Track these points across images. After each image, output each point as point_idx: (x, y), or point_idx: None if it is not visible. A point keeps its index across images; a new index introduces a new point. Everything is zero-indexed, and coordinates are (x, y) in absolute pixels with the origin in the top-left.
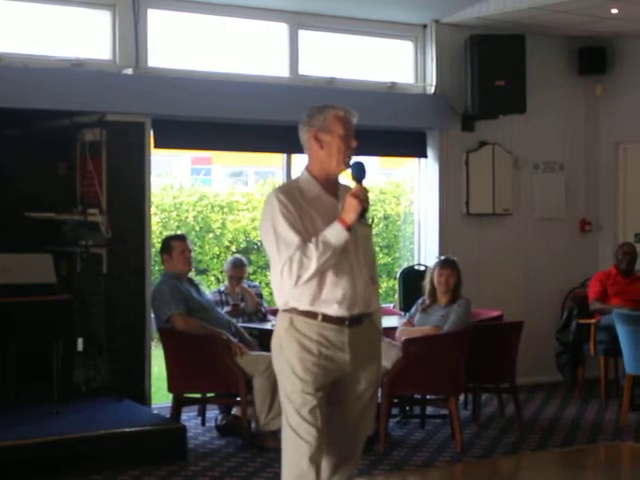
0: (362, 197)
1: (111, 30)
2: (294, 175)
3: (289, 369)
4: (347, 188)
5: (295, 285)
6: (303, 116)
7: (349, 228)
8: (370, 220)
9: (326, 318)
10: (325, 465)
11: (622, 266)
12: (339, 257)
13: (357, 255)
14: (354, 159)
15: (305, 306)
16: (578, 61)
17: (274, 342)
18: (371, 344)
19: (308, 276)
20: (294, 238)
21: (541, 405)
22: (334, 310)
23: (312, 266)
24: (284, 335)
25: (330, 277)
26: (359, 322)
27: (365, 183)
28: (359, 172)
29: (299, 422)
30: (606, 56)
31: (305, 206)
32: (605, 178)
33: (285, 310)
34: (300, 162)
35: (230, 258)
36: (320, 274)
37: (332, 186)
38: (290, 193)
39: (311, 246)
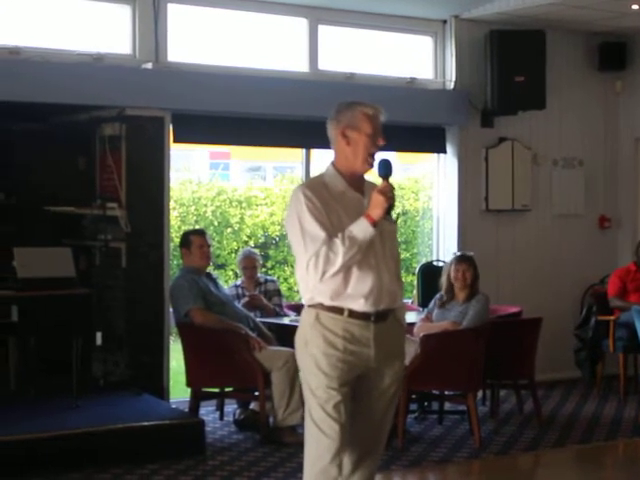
0: (389, 194)
1: (131, 24)
2: (313, 170)
3: (314, 365)
4: (372, 185)
5: (321, 280)
6: (332, 111)
7: (375, 224)
8: (395, 217)
9: (352, 314)
10: (347, 460)
11: None
12: (365, 252)
13: (383, 251)
14: (380, 156)
15: (331, 301)
16: (598, 57)
17: (299, 337)
18: (395, 340)
19: (334, 271)
20: (320, 233)
21: (560, 402)
22: (360, 305)
23: (338, 261)
24: (309, 330)
25: (356, 272)
26: (384, 318)
27: (391, 180)
28: (386, 169)
29: (323, 417)
30: (626, 52)
31: (331, 201)
32: (625, 174)
33: (311, 305)
34: (319, 157)
35: (240, 251)
36: (346, 269)
37: (357, 182)
38: (316, 188)
39: (337, 241)
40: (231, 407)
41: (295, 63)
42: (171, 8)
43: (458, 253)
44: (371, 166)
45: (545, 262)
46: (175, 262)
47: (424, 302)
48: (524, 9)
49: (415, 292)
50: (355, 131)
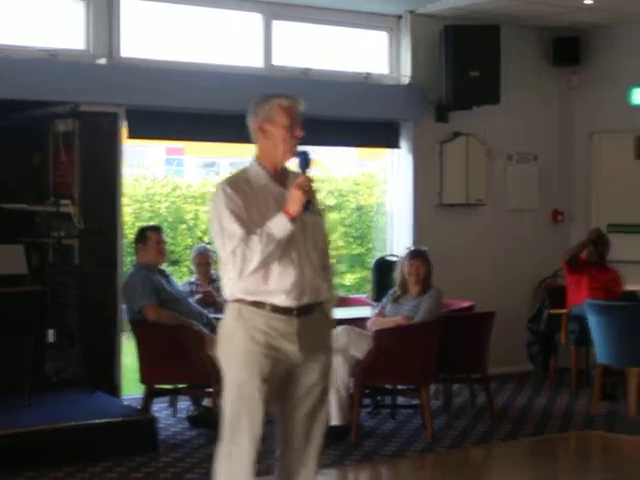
0: (306, 187)
1: (85, 20)
2: None
3: (236, 359)
4: (297, 176)
5: (240, 277)
6: (251, 105)
7: (293, 219)
8: (322, 208)
9: (274, 308)
10: (281, 468)
11: (594, 256)
12: (286, 247)
13: (305, 245)
14: (301, 148)
15: (252, 297)
16: (552, 52)
17: (222, 332)
18: (321, 334)
19: (252, 268)
20: (238, 230)
21: (512, 395)
22: (282, 300)
23: (256, 258)
24: (232, 325)
25: (277, 268)
26: (309, 312)
27: (316, 172)
28: (304, 162)
29: (242, 412)
30: (580, 47)
31: (253, 197)
32: (579, 169)
33: (233, 301)
34: None
35: (194, 248)
36: (266, 265)
37: (280, 175)
38: (237, 184)
39: (255, 238)
40: (184, 404)
41: (250, 59)
42: (125, 3)
43: (412, 248)
44: (293, 155)
45: (499, 256)
46: (129, 259)
47: (379, 297)
48: (479, 4)
49: (369, 287)
50: (272, 124)
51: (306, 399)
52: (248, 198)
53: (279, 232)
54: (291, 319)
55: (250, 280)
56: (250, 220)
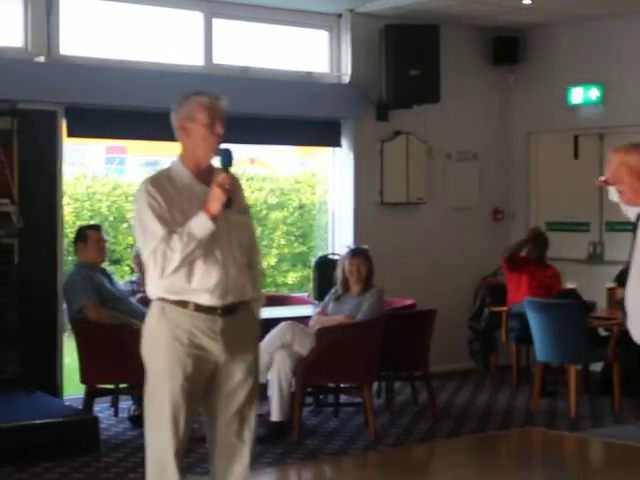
0: (227, 186)
1: (23, 17)
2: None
3: (159, 358)
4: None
5: (161, 276)
6: (174, 104)
7: (214, 218)
8: (247, 206)
9: (198, 307)
10: (213, 468)
11: (534, 254)
12: (210, 246)
13: (230, 243)
14: (223, 146)
15: (176, 296)
16: (492, 51)
17: (145, 331)
18: (247, 333)
19: (173, 268)
20: (159, 230)
21: (454, 392)
22: (206, 299)
23: (176, 257)
24: (155, 324)
25: (200, 267)
26: (233, 311)
27: (233, 169)
28: (225, 159)
29: (164, 412)
30: (518, 46)
31: (176, 196)
32: (518, 167)
33: (156, 299)
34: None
35: (135, 247)
36: (189, 264)
37: (204, 173)
38: (159, 183)
39: (175, 237)
40: (126, 404)
41: (190, 57)
42: (64, 1)
43: (353, 246)
44: (215, 153)
45: (440, 254)
46: (69, 258)
47: (320, 295)
48: (419, 3)
49: (311, 285)
50: (192, 122)
51: (233, 399)
52: (171, 197)
53: (200, 231)
54: (215, 318)
55: (173, 279)
56: (173, 220)
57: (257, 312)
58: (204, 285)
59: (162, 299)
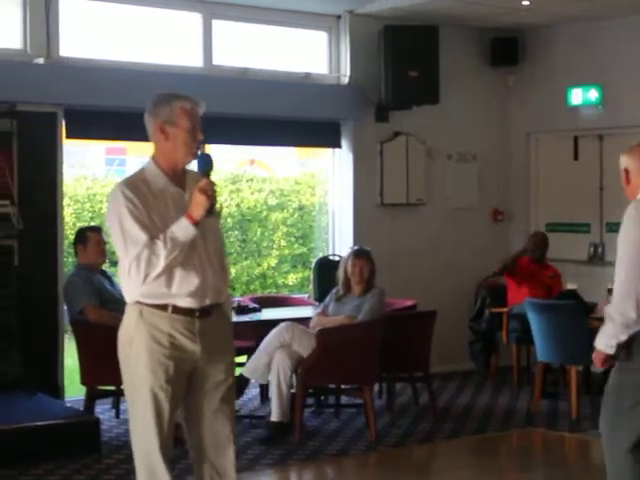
0: (210, 192)
1: (22, 19)
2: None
3: (139, 362)
4: (195, 176)
5: (144, 282)
6: (148, 104)
7: (197, 224)
8: (219, 209)
9: (176, 310)
10: (197, 470)
11: (535, 254)
12: (188, 251)
13: (206, 247)
14: (202, 151)
15: (155, 300)
16: (490, 52)
17: (122, 337)
18: (222, 334)
19: (157, 273)
20: (141, 235)
21: (455, 393)
22: (185, 302)
23: (160, 263)
24: (134, 328)
25: (179, 272)
26: (209, 313)
27: (213, 175)
28: (206, 165)
29: (147, 414)
30: (517, 47)
31: (152, 199)
32: (517, 168)
33: (134, 303)
34: (213, 151)
35: None
36: (169, 270)
37: (178, 176)
38: (136, 186)
39: (159, 243)
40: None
41: (190, 58)
42: (63, 2)
43: (355, 247)
44: (194, 157)
45: (440, 255)
46: (70, 259)
47: (320, 296)
48: (417, 5)
49: (311, 287)
50: (174, 127)
51: (214, 398)
52: (147, 200)
53: (183, 236)
54: (193, 320)
55: (152, 285)
56: (152, 224)
57: (229, 313)
58: (184, 290)
59: (140, 302)
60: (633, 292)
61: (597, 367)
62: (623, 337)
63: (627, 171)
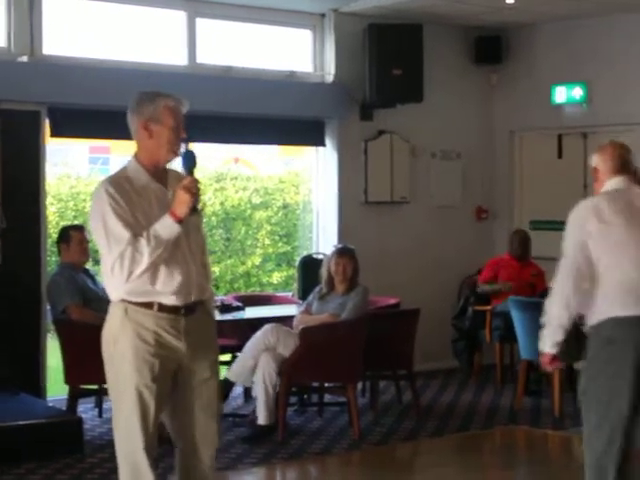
0: (193, 190)
1: (6, 17)
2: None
3: (124, 360)
4: (176, 174)
5: (127, 280)
6: (132, 102)
7: (181, 221)
8: (200, 206)
9: (162, 308)
10: (179, 467)
11: (517, 252)
12: (172, 248)
13: (189, 244)
14: (185, 148)
15: (139, 298)
16: (474, 50)
17: (106, 335)
18: (206, 332)
19: (140, 271)
20: (125, 233)
21: (438, 391)
22: (170, 300)
23: (144, 261)
24: (119, 326)
25: (163, 269)
26: (193, 310)
27: (196, 172)
28: (190, 162)
29: (133, 413)
30: (501, 46)
31: (136, 197)
32: (501, 166)
33: (118, 301)
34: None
35: None
36: (153, 267)
37: (160, 173)
38: (119, 184)
39: (143, 241)
40: (110, 404)
41: (173, 56)
42: (47, 0)
43: (339, 246)
44: (176, 155)
45: (423, 253)
46: (53, 258)
47: (304, 295)
48: (402, 3)
49: (295, 285)
50: (158, 124)
51: (199, 396)
52: (131, 198)
53: (166, 234)
54: (178, 318)
55: (137, 282)
56: (136, 221)
57: (212, 310)
58: (168, 287)
59: (125, 300)
60: (564, 293)
61: (546, 369)
62: (559, 337)
63: (597, 170)
